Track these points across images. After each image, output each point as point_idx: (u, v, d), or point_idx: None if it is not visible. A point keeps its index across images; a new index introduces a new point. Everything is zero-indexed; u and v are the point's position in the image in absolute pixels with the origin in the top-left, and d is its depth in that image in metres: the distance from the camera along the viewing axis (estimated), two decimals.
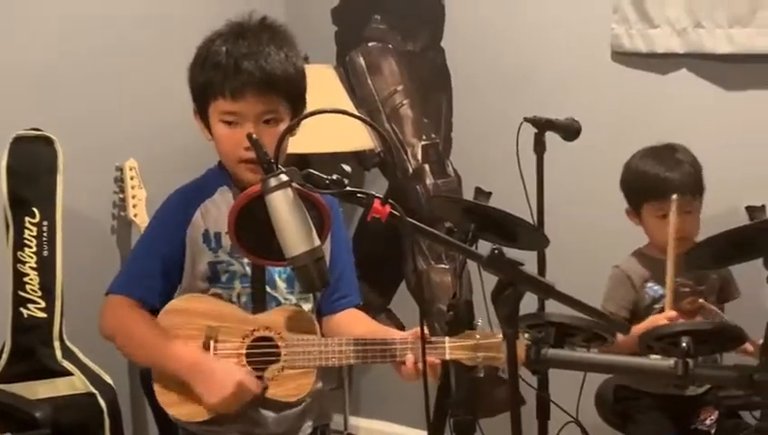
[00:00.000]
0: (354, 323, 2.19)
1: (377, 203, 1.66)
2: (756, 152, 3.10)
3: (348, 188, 1.67)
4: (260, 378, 2.03)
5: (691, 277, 2.81)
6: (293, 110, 2.04)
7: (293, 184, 1.65)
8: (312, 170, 1.70)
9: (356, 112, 1.75)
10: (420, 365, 1.93)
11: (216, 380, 1.97)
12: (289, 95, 2.04)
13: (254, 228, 1.74)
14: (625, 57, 3.37)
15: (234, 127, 2.03)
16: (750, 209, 2.37)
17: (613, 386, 2.92)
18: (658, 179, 2.79)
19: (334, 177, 1.68)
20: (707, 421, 2.73)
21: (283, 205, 1.64)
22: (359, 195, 1.68)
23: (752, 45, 3.11)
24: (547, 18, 3.50)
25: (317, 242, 1.66)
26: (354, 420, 4.01)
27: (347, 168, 1.70)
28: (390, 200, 1.66)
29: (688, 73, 3.27)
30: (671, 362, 2.27)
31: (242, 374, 1.98)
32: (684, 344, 2.26)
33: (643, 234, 2.91)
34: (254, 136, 1.73)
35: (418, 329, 1.92)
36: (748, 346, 2.42)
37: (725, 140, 3.10)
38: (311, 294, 2.17)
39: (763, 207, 2.34)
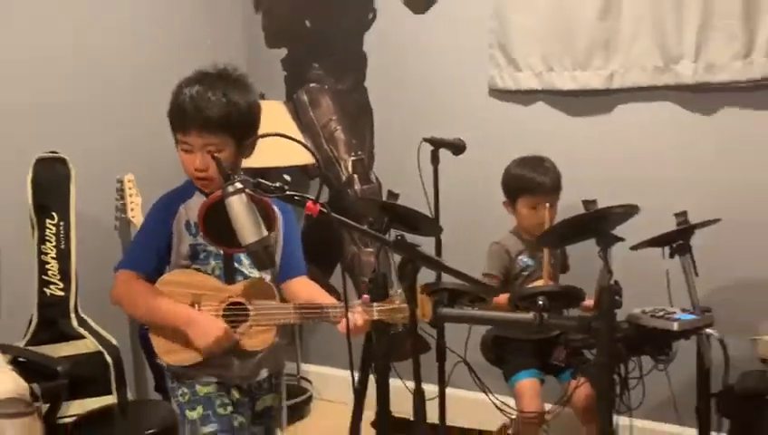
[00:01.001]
0: (303, 288, 2.18)
1: (309, 203, 1.68)
2: (592, 161, 3.17)
3: (288, 193, 1.69)
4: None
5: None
6: (238, 139, 2.01)
7: (246, 190, 1.66)
8: (261, 180, 1.71)
9: (294, 136, 1.75)
10: (357, 324, 1.94)
11: (206, 329, 1.97)
12: (227, 131, 2.00)
13: (217, 224, 1.74)
14: (498, 93, 3.40)
15: (188, 153, 2.02)
16: (585, 202, 2.41)
17: (492, 335, 2.95)
18: (532, 181, 2.84)
19: (277, 184, 1.70)
20: (559, 357, 2.77)
21: (238, 206, 1.65)
22: (296, 197, 1.70)
23: (588, 83, 3.17)
24: (440, 65, 3.52)
25: (265, 233, 1.67)
26: (305, 367, 3.99)
27: (287, 177, 1.72)
28: (320, 201, 1.68)
29: (544, 105, 3.32)
30: (531, 315, 2.34)
31: (223, 327, 1.98)
32: (540, 302, 2.32)
33: (511, 222, 2.96)
34: (217, 156, 1.75)
35: (365, 297, 1.98)
36: (587, 303, 2.48)
37: (572, 153, 3.13)
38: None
39: (595, 201, 2.38)
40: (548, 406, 2.77)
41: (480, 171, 3.26)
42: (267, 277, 2.11)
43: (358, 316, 1.95)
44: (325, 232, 3.87)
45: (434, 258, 1.78)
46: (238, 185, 1.65)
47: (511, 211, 2.93)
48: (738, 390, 2.53)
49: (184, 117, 1.98)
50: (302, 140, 3.61)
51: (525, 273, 2.88)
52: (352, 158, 3.84)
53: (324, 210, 1.67)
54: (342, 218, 1.71)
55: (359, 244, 3.84)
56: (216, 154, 1.89)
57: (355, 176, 3.84)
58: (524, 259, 2.89)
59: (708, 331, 2.37)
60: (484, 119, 3.42)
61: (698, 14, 2.92)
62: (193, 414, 2.05)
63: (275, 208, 1.83)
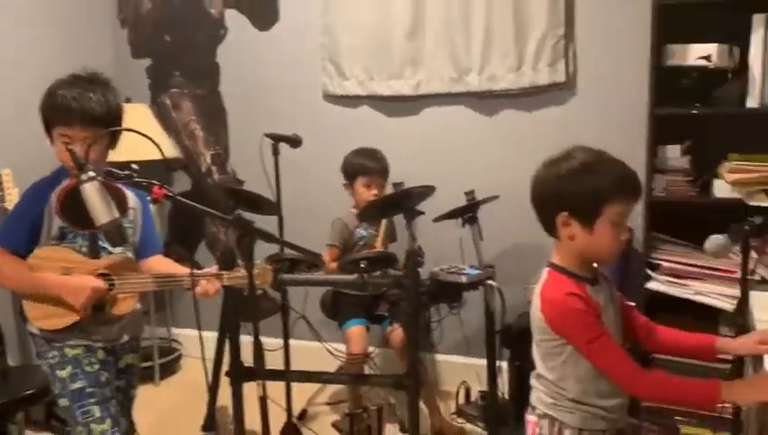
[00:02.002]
0: (160, 263, 2.10)
1: (156, 188, 1.62)
2: (404, 152, 3.22)
3: (136, 179, 1.63)
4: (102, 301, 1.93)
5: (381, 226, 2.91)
6: (111, 133, 1.92)
7: (98, 178, 1.58)
8: (111, 169, 1.63)
9: (145, 133, 1.67)
10: (209, 290, 1.89)
11: (79, 286, 1.86)
12: (106, 125, 1.91)
13: (74, 208, 1.64)
14: (330, 97, 3.41)
15: (68, 145, 1.90)
16: (394, 184, 2.49)
17: (330, 294, 2.97)
18: (366, 165, 2.89)
19: (126, 172, 1.63)
20: (382, 309, 2.84)
21: (91, 192, 1.56)
22: (143, 183, 1.64)
23: (400, 90, 3.23)
24: (282, 73, 3.49)
25: (117, 215, 1.59)
26: (176, 331, 3.86)
27: (135, 166, 1.65)
28: (165, 186, 1.63)
29: (368, 108, 3.36)
30: (355, 276, 2.37)
31: (93, 279, 1.88)
32: (362, 265, 2.36)
33: (345, 202, 2.98)
34: (72, 149, 1.64)
35: (214, 267, 1.92)
36: None
37: (389, 146, 3.13)
38: (131, 247, 2.06)
39: (402, 183, 2.45)
40: (375, 349, 2.84)
41: (317, 161, 3.27)
42: (130, 254, 2.03)
43: (209, 284, 1.91)
44: (188, 215, 3.75)
45: (267, 232, 1.76)
46: (91, 173, 1.56)
47: (350, 192, 2.96)
48: (514, 327, 2.68)
49: (69, 113, 1.85)
50: (166, 138, 3.55)
51: (362, 242, 2.92)
52: (210, 152, 3.73)
53: (170, 194, 1.62)
54: (185, 200, 1.66)
55: (217, 224, 3.76)
56: (93, 145, 1.78)
57: (213, 167, 3.73)
58: (361, 231, 2.93)
59: (490, 282, 2.49)
60: (320, 119, 3.42)
61: (481, 37, 3.04)
62: (63, 373, 1.94)
63: (130, 194, 1.75)
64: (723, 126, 2.69)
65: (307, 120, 3.39)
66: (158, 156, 1.74)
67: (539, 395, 1.68)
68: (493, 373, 2.59)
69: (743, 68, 2.52)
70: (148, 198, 1.66)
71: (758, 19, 2.47)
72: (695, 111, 2.55)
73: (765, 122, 2.62)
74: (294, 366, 2.72)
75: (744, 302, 1.82)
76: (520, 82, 3.04)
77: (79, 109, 1.86)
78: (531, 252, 3.14)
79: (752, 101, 2.50)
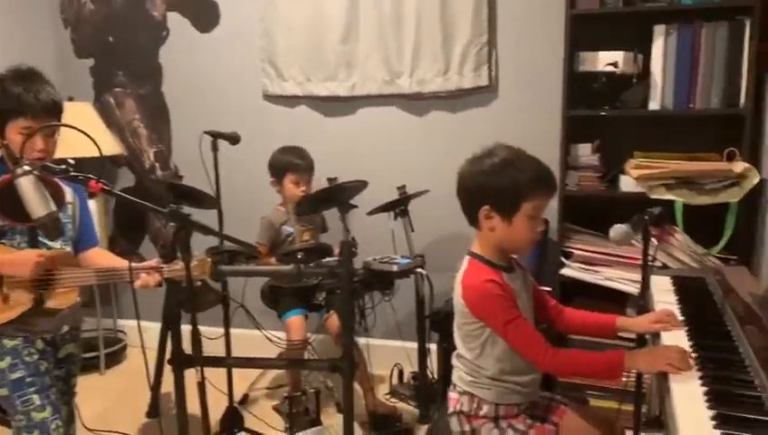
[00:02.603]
0: (99, 256, 2.03)
1: (92, 182, 1.56)
2: (341, 150, 3.22)
3: (72, 173, 1.56)
4: (42, 296, 1.84)
5: (307, 220, 2.90)
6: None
7: (34, 172, 1.51)
8: (48, 163, 1.57)
9: (85, 130, 1.60)
10: (149, 283, 1.83)
11: (23, 260, 1.77)
12: (60, 117, 1.84)
13: (10, 202, 1.55)
14: (270, 97, 3.36)
15: (28, 136, 1.79)
16: (329, 180, 2.46)
17: (268, 285, 2.92)
18: (292, 163, 2.84)
19: (62, 166, 1.56)
20: (319, 298, 2.81)
21: (27, 186, 1.49)
22: (80, 177, 1.58)
23: (336, 91, 3.21)
24: (224, 74, 3.42)
25: (53, 208, 1.52)
26: (121, 322, 3.74)
27: (71, 161, 1.58)
28: (102, 180, 1.57)
29: (306, 108, 3.32)
30: (292, 266, 2.34)
31: (35, 251, 1.80)
32: (298, 256, 2.33)
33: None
34: (6, 142, 1.56)
35: (155, 260, 1.85)
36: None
37: (327, 145, 3.18)
38: (70, 241, 1.98)
39: (336, 178, 2.43)
40: (313, 336, 2.80)
41: (260, 158, 3.21)
42: (68, 249, 1.95)
43: (149, 277, 1.86)
44: (132, 210, 3.63)
45: (204, 225, 1.72)
46: (26, 167, 1.49)
47: (278, 189, 2.91)
48: (442, 311, 2.70)
49: (35, 104, 1.76)
50: (110, 135, 3.42)
51: (290, 238, 2.88)
52: (153, 149, 3.62)
53: (106, 188, 1.56)
54: (122, 194, 1.62)
55: (160, 219, 3.66)
56: (52, 136, 1.70)
57: (156, 164, 3.63)
58: (287, 228, 2.88)
59: (419, 270, 2.52)
60: (262, 118, 3.37)
61: (412, 43, 3.05)
62: (2, 364, 1.84)
63: (67, 189, 1.68)
64: (628, 126, 2.78)
65: (249, 119, 3.34)
66: (101, 152, 1.67)
67: (459, 374, 1.71)
68: (423, 355, 2.63)
69: (645, 74, 2.62)
70: (86, 192, 1.59)
71: (658, 29, 2.57)
72: (603, 113, 2.63)
73: (665, 123, 2.73)
74: (237, 354, 2.66)
75: (645, 285, 1.89)
76: (447, 86, 3.06)
77: (44, 99, 1.78)
78: (457, 242, 3.16)
79: (653, 104, 2.60)
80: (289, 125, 3.33)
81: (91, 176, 1.55)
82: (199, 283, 2.16)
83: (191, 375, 1.79)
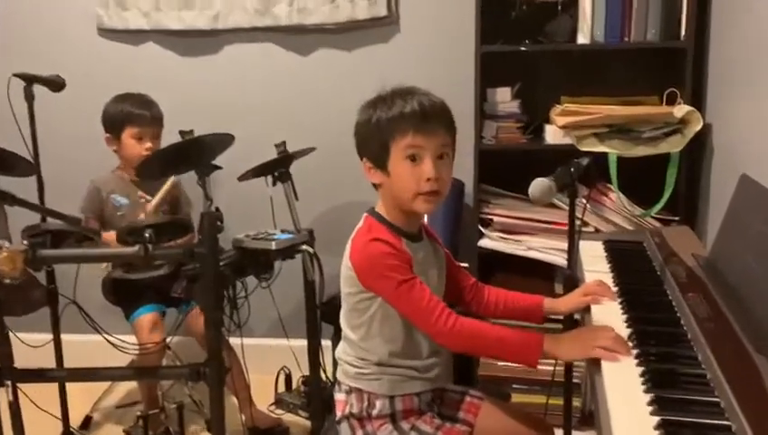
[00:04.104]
0: None
1: None
2: (201, 98, 3.15)
3: None
4: None
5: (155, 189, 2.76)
6: None
7: None
8: None
9: None
10: None
11: None
12: None
13: None
14: (107, 33, 3.22)
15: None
16: (182, 132, 2.33)
17: (112, 277, 2.77)
18: (134, 113, 2.73)
19: None
20: (177, 290, 2.70)
21: None
22: None
23: (194, 23, 3.11)
24: (49, 4, 3.25)
25: None
26: None
27: None
28: None
29: (154, 45, 3.21)
30: (137, 247, 2.21)
31: None
32: (147, 235, 2.21)
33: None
34: None
35: None
36: None
37: (182, 91, 3.11)
38: None
39: (192, 131, 2.32)
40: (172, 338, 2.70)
41: (91, 111, 3.04)
42: None
43: None
44: None
45: (16, 197, 1.59)
46: None
47: (115, 147, 2.78)
48: (338, 299, 2.66)
49: None
50: None
51: (120, 213, 2.75)
52: None
53: None
54: None
55: None
56: None
57: None
58: (118, 198, 2.76)
59: (306, 248, 2.47)
60: (94, 58, 3.23)
61: None
62: None
63: None
64: (553, 65, 2.85)
65: (78, 60, 3.21)
66: None
67: (344, 367, 1.74)
68: (315, 355, 2.60)
69: (573, 1, 2.66)
70: None
71: None
72: (524, 48, 2.66)
73: (596, 60, 2.81)
74: (72, 365, 2.54)
75: (572, 252, 1.93)
76: (336, 16, 3.03)
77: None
78: (353, 212, 3.15)
79: (582, 37, 2.65)
80: (132, 68, 3.22)
81: None
82: (9, 281, 2.01)
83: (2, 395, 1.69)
